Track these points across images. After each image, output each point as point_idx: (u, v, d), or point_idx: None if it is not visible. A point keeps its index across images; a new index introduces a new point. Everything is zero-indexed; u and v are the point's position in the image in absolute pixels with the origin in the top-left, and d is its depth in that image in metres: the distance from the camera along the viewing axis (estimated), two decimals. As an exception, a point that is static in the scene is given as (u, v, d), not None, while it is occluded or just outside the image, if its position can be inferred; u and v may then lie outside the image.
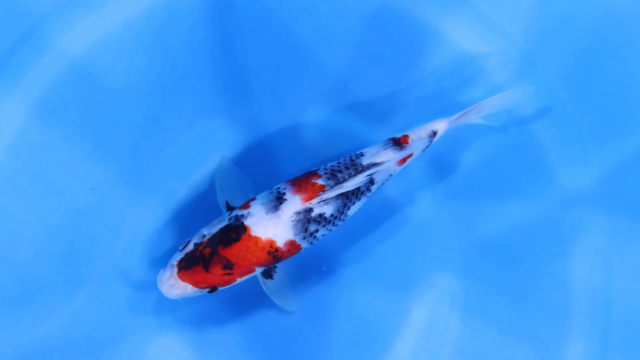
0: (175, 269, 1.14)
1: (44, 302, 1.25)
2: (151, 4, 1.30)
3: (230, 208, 1.22)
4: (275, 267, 1.23)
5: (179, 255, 1.15)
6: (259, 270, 1.19)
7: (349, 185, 1.17)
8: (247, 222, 1.14)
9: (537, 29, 1.43)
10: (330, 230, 1.21)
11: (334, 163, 1.22)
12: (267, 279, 1.23)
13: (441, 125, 1.27)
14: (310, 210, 1.16)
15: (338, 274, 1.35)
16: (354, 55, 1.37)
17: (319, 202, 1.16)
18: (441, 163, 1.40)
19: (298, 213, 1.15)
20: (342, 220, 1.22)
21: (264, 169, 1.32)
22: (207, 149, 1.32)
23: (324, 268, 1.34)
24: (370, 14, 1.38)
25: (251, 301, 1.30)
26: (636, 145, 1.44)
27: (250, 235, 1.13)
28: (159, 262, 1.24)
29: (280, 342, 1.32)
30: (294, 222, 1.15)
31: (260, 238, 1.14)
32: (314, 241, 1.20)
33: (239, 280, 1.17)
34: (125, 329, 1.27)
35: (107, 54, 1.28)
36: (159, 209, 1.30)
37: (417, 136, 1.26)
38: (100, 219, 1.28)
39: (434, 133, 1.27)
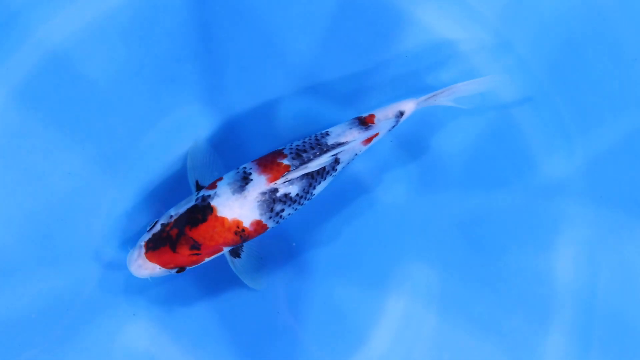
0: (143, 250, 1.15)
1: (18, 284, 1.26)
2: (130, -5, 1.33)
3: (199, 187, 1.22)
4: (242, 245, 1.24)
5: (147, 236, 1.16)
6: (226, 250, 1.19)
7: (314, 166, 1.17)
8: (213, 203, 1.14)
9: (516, 14, 1.41)
10: (296, 210, 1.22)
11: (299, 142, 1.22)
12: (234, 257, 1.23)
13: (409, 106, 1.27)
14: (276, 190, 1.17)
15: (311, 263, 1.34)
16: (327, 40, 1.37)
17: (284, 182, 1.17)
18: (417, 148, 1.38)
19: (263, 193, 1.16)
20: (308, 199, 1.22)
21: (240, 154, 1.32)
22: (184, 135, 1.32)
23: (294, 244, 1.33)
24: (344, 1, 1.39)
25: (225, 283, 1.30)
26: (621, 134, 1.42)
27: (216, 216, 1.14)
28: (132, 244, 1.24)
29: (255, 325, 1.31)
30: (259, 203, 1.16)
31: (226, 218, 1.14)
32: (280, 220, 1.20)
33: (206, 259, 1.18)
34: (99, 311, 1.28)
35: (86, 43, 1.30)
36: (135, 193, 1.31)
37: (384, 116, 1.26)
38: (77, 202, 1.29)
39: (401, 113, 1.27)
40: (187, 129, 1.32)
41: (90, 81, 1.30)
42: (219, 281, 1.31)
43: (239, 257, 1.24)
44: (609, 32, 1.42)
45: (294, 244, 1.34)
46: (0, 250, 1.26)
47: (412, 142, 1.38)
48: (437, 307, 1.36)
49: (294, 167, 1.17)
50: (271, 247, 1.33)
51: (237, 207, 1.15)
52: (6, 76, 1.28)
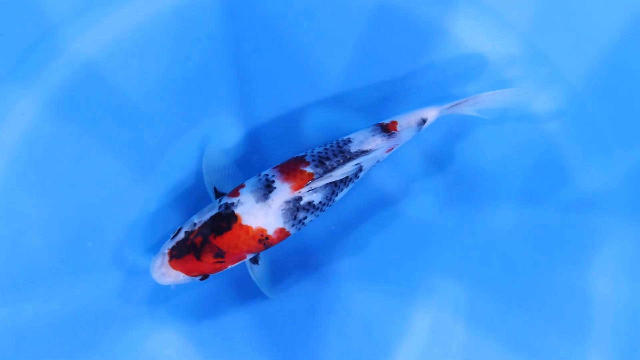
0: (167, 257, 1.15)
1: (48, 291, 1.28)
2: (161, 10, 1.34)
3: (218, 194, 1.23)
4: (260, 253, 1.23)
5: (170, 244, 1.16)
6: (248, 257, 1.19)
7: (338, 175, 1.17)
8: (237, 211, 1.14)
9: (550, 24, 1.39)
10: (317, 216, 1.22)
11: (321, 149, 1.21)
12: (254, 264, 1.23)
13: (431, 113, 1.26)
14: (300, 198, 1.16)
15: (337, 274, 1.34)
16: (355, 53, 1.38)
17: (308, 191, 1.17)
18: (445, 161, 1.37)
19: (287, 202, 1.16)
20: (329, 206, 1.22)
21: (265, 165, 1.32)
22: (226, 155, 1.34)
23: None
24: (372, 15, 1.38)
25: (251, 294, 1.31)
26: (664, 147, 1.38)
27: (241, 224, 1.14)
28: (155, 252, 1.25)
29: (279, 336, 1.31)
30: (283, 211, 1.16)
31: (251, 227, 1.14)
32: (302, 227, 1.20)
33: (229, 267, 1.18)
34: (126, 319, 1.29)
35: (118, 56, 1.33)
36: (164, 203, 1.32)
37: (406, 123, 1.25)
38: (107, 212, 1.31)
39: (424, 121, 1.26)
40: (215, 140, 1.33)
41: (121, 93, 1.33)
42: (245, 292, 1.31)
43: (257, 263, 1.24)
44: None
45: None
46: (32, 256, 1.29)
47: (440, 154, 1.37)
48: (465, 323, 1.34)
49: (317, 175, 1.17)
50: (296, 258, 1.33)
51: (262, 216, 1.15)
52: (42, 87, 1.31)
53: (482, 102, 1.27)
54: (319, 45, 1.37)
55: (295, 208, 1.16)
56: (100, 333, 1.29)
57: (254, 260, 1.23)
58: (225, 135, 1.34)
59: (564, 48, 1.39)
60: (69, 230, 1.30)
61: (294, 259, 1.33)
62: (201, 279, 1.17)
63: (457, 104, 1.26)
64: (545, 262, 1.36)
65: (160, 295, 1.30)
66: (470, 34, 1.38)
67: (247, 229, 1.14)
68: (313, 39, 1.37)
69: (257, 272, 1.23)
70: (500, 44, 1.38)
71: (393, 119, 1.25)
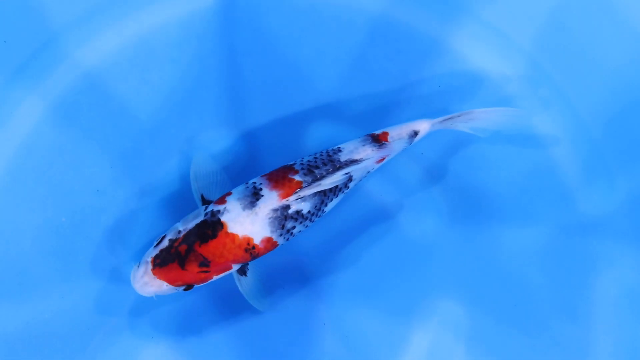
0: (150, 266, 1.12)
1: (40, 299, 1.27)
2: (164, 22, 1.35)
3: (205, 202, 1.21)
4: (248, 264, 1.21)
5: (154, 252, 1.13)
6: (235, 268, 1.17)
7: (327, 184, 1.15)
8: (223, 219, 1.12)
9: (553, 43, 1.37)
10: (306, 227, 1.19)
11: (310, 158, 1.19)
12: (241, 275, 1.20)
13: (423, 126, 1.24)
14: (288, 207, 1.14)
15: (334, 293, 1.31)
16: (354, 67, 1.37)
17: (296, 199, 1.14)
18: (447, 180, 1.35)
19: (275, 210, 1.14)
20: (319, 216, 1.20)
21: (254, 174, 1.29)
22: (213, 161, 1.32)
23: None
24: (372, 28, 1.37)
25: (243, 308, 1.28)
26: (667, 172, 1.35)
27: (227, 232, 1.12)
28: (136, 260, 1.22)
29: (273, 353, 1.28)
30: (270, 220, 1.13)
31: (237, 235, 1.12)
32: (290, 237, 1.18)
33: (215, 277, 1.15)
34: (118, 332, 1.28)
35: (120, 65, 1.33)
36: (161, 215, 1.31)
37: (397, 134, 1.23)
38: (103, 221, 1.30)
39: (415, 133, 1.23)
40: (211, 150, 1.33)
41: (122, 102, 1.33)
42: (236, 306, 1.29)
43: (245, 275, 1.21)
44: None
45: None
46: (24, 262, 1.28)
47: (443, 174, 1.35)
48: (465, 345, 1.31)
49: (306, 184, 1.15)
50: (290, 271, 1.31)
51: (248, 224, 1.12)
52: (43, 94, 1.32)
53: (475, 118, 1.25)
54: (317, 57, 1.37)
55: (283, 217, 1.14)
56: (90, 343, 1.27)
57: (242, 272, 1.20)
58: (221, 144, 1.33)
59: (567, 70, 1.37)
60: (63, 237, 1.29)
61: (287, 272, 1.31)
62: (185, 289, 1.14)
63: (450, 118, 1.24)
64: (547, 285, 1.32)
65: (150, 306, 1.28)
66: (471, 51, 1.37)
67: (233, 237, 1.12)
68: (311, 51, 1.37)
69: (245, 284, 1.20)
70: (501, 62, 1.37)
71: (384, 129, 1.23)
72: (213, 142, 1.33)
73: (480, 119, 1.25)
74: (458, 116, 1.24)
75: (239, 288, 1.20)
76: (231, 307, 1.29)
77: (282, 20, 1.37)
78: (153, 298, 1.17)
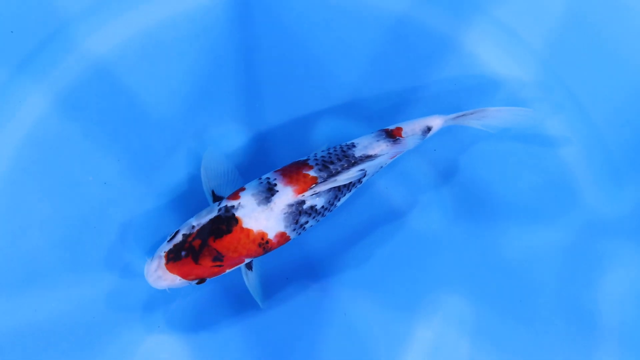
0: (164, 260, 1.13)
1: (47, 288, 1.28)
2: (173, 14, 1.35)
3: (216, 197, 1.22)
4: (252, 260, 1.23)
5: (167, 246, 1.14)
6: (247, 262, 1.19)
7: (343, 179, 1.16)
8: (238, 214, 1.14)
9: (568, 49, 1.40)
10: (318, 221, 1.21)
11: (324, 153, 1.21)
12: (248, 270, 1.22)
13: (436, 122, 1.26)
14: (302, 202, 1.16)
15: (338, 288, 1.33)
16: (369, 66, 1.38)
17: (312, 194, 1.16)
18: (457, 177, 1.37)
19: (290, 205, 1.15)
20: (330, 211, 1.21)
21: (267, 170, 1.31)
22: (224, 157, 1.33)
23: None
24: (388, 27, 1.39)
25: (249, 301, 1.30)
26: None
27: (242, 227, 1.13)
28: (149, 255, 1.23)
29: (277, 346, 1.30)
30: (285, 215, 1.15)
31: (252, 230, 1.14)
32: (302, 232, 1.20)
33: (227, 271, 1.17)
34: (123, 321, 1.29)
35: (129, 58, 1.34)
36: (168, 206, 1.32)
37: (411, 130, 1.25)
38: (110, 213, 1.31)
39: (429, 129, 1.26)
40: (221, 146, 1.34)
41: (130, 94, 1.33)
42: (243, 299, 1.30)
43: (251, 270, 1.23)
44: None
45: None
46: (32, 253, 1.29)
47: (450, 169, 1.37)
48: (470, 339, 1.34)
49: (321, 179, 1.16)
50: (298, 267, 1.33)
51: (263, 219, 1.14)
52: (51, 85, 1.32)
53: (488, 116, 1.27)
54: (333, 54, 1.38)
55: (297, 212, 1.15)
56: (97, 333, 1.28)
57: (249, 267, 1.22)
58: (231, 140, 1.34)
59: (579, 71, 1.39)
60: (71, 229, 1.30)
61: (295, 268, 1.33)
62: (197, 283, 1.16)
63: (463, 115, 1.26)
64: (553, 282, 1.35)
65: (159, 298, 1.30)
66: (485, 51, 1.39)
67: (247, 232, 1.13)
68: (327, 48, 1.38)
69: (251, 279, 1.23)
70: (515, 62, 1.39)
71: (398, 125, 1.25)
72: (222, 137, 1.34)
73: (493, 117, 1.27)
74: (471, 113, 1.27)
75: (245, 282, 1.22)
76: (240, 301, 1.30)
77: (294, 17, 1.38)
78: (166, 291, 1.19)
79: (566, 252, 1.36)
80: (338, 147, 1.22)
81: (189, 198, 1.33)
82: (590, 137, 1.38)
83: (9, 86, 1.31)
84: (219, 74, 1.36)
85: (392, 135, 1.23)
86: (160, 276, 1.13)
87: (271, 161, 1.33)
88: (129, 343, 1.29)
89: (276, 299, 1.31)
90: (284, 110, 1.36)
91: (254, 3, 1.37)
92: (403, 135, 1.24)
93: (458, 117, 1.27)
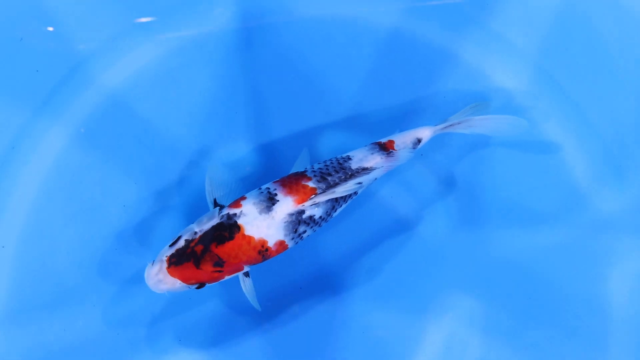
0: (165, 264, 1.17)
1: (74, 308, 1.36)
2: (181, 42, 1.43)
3: (216, 205, 1.26)
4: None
5: (169, 251, 1.18)
6: (246, 269, 1.22)
7: (341, 191, 1.20)
8: (240, 222, 1.18)
9: (558, 48, 1.41)
10: (315, 231, 1.24)
11: (321, 165, 1.25)
12: (246, 277, 1.26)
13: (425, 133, 1.29)
14: (302, 212, 1.19)
15: (348, 294, 1.36)
16: (367, 80, 1.42)
17: (311, 205, 1.20)
18: (460, 183, 1.39)
19: (291, 214, 1.19)
20: (327, 221, 1.25)
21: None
22: (231, 170, 1.40)
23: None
24: (383, 42, 1.44)
25: (269, 313, 1.35)
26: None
27: (243, 235, 1.17)
28: (150, 259, 1.26)
29: (296, 355, 1.34)
30: (286, 224, 1.19)
31: (253, 237, 1.18)
32: (299, 241, 1.23)
33: (226, 277, 1.21)
34: (147, 337, 1.35)
35: (141, 86, 1.42)
36: (183, 225, 1.37)
37: (402, 143, 1.28)
38: (130, 234, 1.38)
39: (419, 140, 1.28)
40: (229, 161, 1.39)
41: (144, 121, 1.41)
42: (256, 312, 1.34)
43: (248, 277, 1.26)
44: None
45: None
46: (60, 275, 1.36)
47: (452, 176, 1.40)
48: (480, 338, 1.35)
49: (320, 190, 1.20)
50: (310, 278, 1.37)
51: (265, 227, 1.18)
52: (70, 118, 1.40)
53: (475, 125, 1.30)
54: (332, 70, 1.43)
55: (297, 221, 1.19)
56: (122, 350, 1.35)
57: (246, 274, 1.26)
58: (239, 156, 1.40)
59: (573, 72, 1.41)
60: (94, 251, 1.37)
61: (307, 279, 1.37)
62: (197, 288, 1.19)
63: (450, 125, 1.29)
64: (561, 278, 1.36)
65: (183, 314, 1.36)
66: (480, 61, 1.42)
67: (249, 239, 1.18)
68: (327, 65, 1.43)
69: (247, 286, 1.26)
70: (510, 70, 1.42)
71: (389, 137, 1.29)
72: (231, 153, 1.40)
73: (479, 126, 1.30)
74: (458, 123, 1.30)
75: (243, 288, 1.26)
76: (256, 312, 1.35)
77: (293, 38, 1.43)
78: (165, 294, 1.22)
79: (573, 250, 1.37)
80: (334, 159, 1.26)
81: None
82: (589, 136, 1.39)
83: (33, 122, 1.40)
84: (226, 95, 1.42)
85: (386, 148, 1.27)
86: (161, 280, 1.17)
87: (276, 174, 1.36)
88: (154, 357, 1.34)
89: (289, 312, 1.35)
90: (288, 126, 1.41)
91: (255, 27, 1.44)
92: (395, 147, 1.27)
93: (446, 127, 1.30)
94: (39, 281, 1.36)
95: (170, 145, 1.41)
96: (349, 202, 1.27)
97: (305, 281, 1.36)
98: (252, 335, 1.35)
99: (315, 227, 1.23)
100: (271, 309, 1.35)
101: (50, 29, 1.42)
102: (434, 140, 1.32)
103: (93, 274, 1.37)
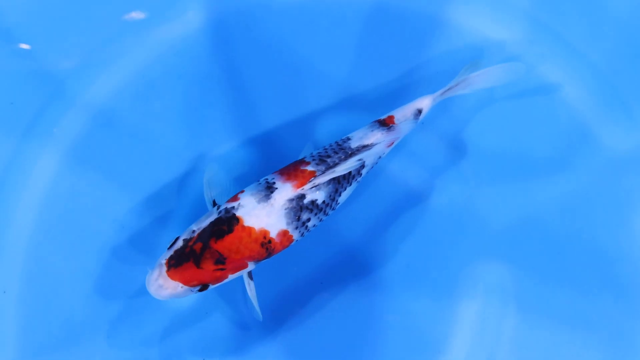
0: (164, 268, 1.10)
1: (87, 343, 1.29)
2: (158, 50, 1.38)
3: (216, 206, 1.20)
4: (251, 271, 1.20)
5: (168, 254, 1.12)
6: (250, 267, 1.15)
7: (341, 170, 1.14)
8: (238, 213, 1.12)
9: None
10: (321, 220, 1.18)
11: (320, 150, 1.20)
12: (250, 280, 1.19)
13: (425, 102, 1.24)
14: (303, 196, 1.14)
15: (376, 279, 1.30)
16: (356, 56, 1.38)
17: (311, 187, 1.14)
18: (469, 146, 1.34)
19: (290, 200, 1.13)
20: (333, 208, 1.19)
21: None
22: (226, 173, 1.34)
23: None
24: (369, 17, 1.39)
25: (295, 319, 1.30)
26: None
27: (243, 226, 1.11)
28: (151, 266, 1.20)
29: (335, 347, 1.28)
30: (286, 210, 1.13)
31: (253, 228, 1.11)
32: (306, 232, 1.16)
33: (230, 276, 1.14)
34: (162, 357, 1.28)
35: (124, 101, 1.37)
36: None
37: (402, 116, 1.23)
38: (132, 255, 1.31)
39: (419, 111, 1.23)
40: (224, 162, 1.34)
41: (131, 135, 1.36)
42: (277, 313, 1.29)
43: (252, 279, 1.20)
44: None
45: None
46: (67, 310, 1.30)
47: (461, 140, 1.34)
48: (514, 307, 1.28)
49: (319, 172, 1.14)
50: (340, 268, 1.31)
51: (264, 216, 1.12)
52: (57, 143, 1.35)
53: (472, 82, 1.24)
54: (320, 54, 1.39)
55: (298, 207, 1.13)
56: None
57: (250, 276, 1.19)
58: (233, 155, 1.35)
59: (565, 15, 1.36)
60: (99, 280, 1.31)
61: (332, 271, 1.31)
62: (200, 290, 1.12)
63: (448, 89, 1.24)
64: (586, 228, 1.29)
65: (197, 340, 1.29)
66: (469, 19, 1.37)
67: (249, 230, 1.11)
68: (314, 50, 1.39)
69: (252, 289, 1.19)
70: (503, 23, 1.37)
71: (389, 114, 1.24)
72: (225, 154, 1.35)
73: (477, 82, 1.25)
74: (456, 85, 1.24)
75: (248, 292, 1.19)
76: (275, 314, 1.29)
77: (275, 29, 1.39)
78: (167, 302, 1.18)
79: (592, 196, 1.31)
80: (333, 142, 1.21)
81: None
82: (592, 76, 1.34)
83: (19, 154, 1.35)
84: (212, 96, 1.38)
85: (386, 124, 1.22)
86: (162, 285, 1.10)
87: (274, 169, 1.33)
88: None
89: (315, 304, 1.29)
90: (282, 117, 1.36)
91: (234, 23, 1.40)
92: (395, 122, 1.22)
93: (445, 92, 1.25)
94: (47, 321, 1.30)
95: (162, 156, 1.35)
96: (353, 184, 1.20)
97: (323, 273, 1.30)
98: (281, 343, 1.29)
99: (321, 215, 1.17)
100: (293, 303, 1.29)
101: (27, 46, 1.38)
102: (436, 107, 1.27)
103: (100, 303, 1.30)
